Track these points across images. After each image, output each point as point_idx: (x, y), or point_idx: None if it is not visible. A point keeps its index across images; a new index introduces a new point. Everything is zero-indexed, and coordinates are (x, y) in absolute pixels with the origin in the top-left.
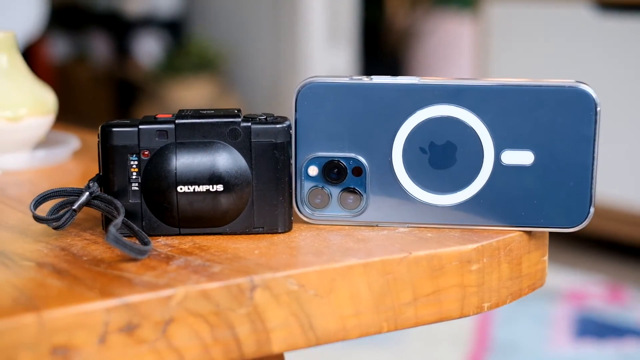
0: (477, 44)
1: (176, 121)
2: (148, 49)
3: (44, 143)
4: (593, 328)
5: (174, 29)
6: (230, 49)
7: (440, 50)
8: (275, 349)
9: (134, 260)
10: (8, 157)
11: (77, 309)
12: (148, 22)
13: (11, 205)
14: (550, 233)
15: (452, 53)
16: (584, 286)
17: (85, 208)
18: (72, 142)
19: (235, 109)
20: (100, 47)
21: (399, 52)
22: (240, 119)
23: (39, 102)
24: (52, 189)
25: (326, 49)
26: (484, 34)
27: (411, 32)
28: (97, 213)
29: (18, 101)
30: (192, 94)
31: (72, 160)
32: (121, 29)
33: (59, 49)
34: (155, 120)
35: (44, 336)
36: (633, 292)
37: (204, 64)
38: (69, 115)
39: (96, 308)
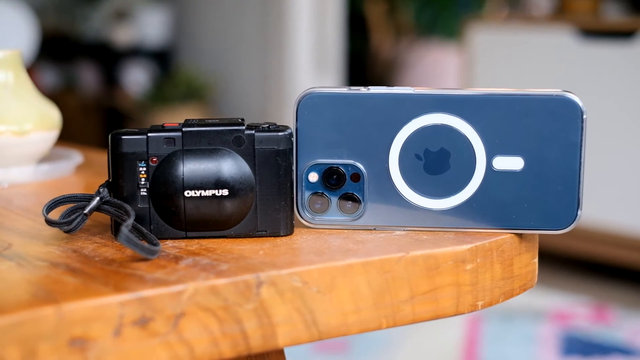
0: (462, 70)
1: (183, 129)
2: (136, 78)
3: (48, 157)
4: (579, 346)
5: (162, 58)
6: (217, 78)
7: (425, 79)
8: (281, 343)
9: (145, 260)
10: (13, 170)
11: (94, 302)
12: (136, 52)
13: (19, 213)
14: (541, 241)
15: (437, 82)
16: (570, 306)
17: (93, 215)
18: (75, 157)
19: (239, 118)
20: (88, 76)
21: (384, 82)
22: (244, 127)
23: (44, 117)
24: (63, 195)
25: (313, 78)
26: (469, 60)
27: (396, 62)
28: (105, 220)
29: (24, 116)
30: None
31: (75, 174)
32: (110, 59)
33: (47, 78)
34: (163, 129)
35: (63, 328)
36: (618, 311)
37: (192, 93)
38: (58, 143)
39: (111, 302)
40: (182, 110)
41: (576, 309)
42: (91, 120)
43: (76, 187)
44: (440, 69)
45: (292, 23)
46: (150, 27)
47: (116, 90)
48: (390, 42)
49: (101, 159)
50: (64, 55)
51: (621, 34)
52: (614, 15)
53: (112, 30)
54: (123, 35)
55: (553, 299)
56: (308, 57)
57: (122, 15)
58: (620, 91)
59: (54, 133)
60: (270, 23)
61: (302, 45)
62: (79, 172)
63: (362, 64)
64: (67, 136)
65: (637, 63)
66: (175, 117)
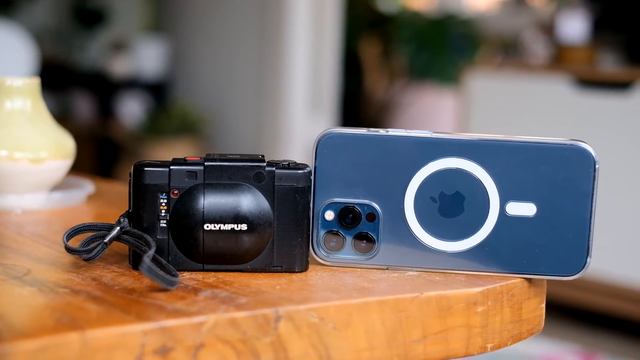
0: (459, 115)
1: (205, 163)
2: (131, 110)
3: (60, 186)
4: None
5: (158, 91)
6: (212, 114)
7: (419, 122)
8: None
9: (164, 290)
10: (27, 197)
11: (117, 330)
12: (132, 84)
13: (34, 240)
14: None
15: (431, 125)
16: (559, 354)
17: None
18: (86, 186)
19: (260, 155)
20: (83, 106)
21: (378, 123)
22: (265, 164)
23: (59, 146)
24: (84, 224)
25: (307, 117)
26: (466, 105)
27: (390, 103)
28: (120, 249)
29: (40, 144)
30: (173, 155)
31: (86, 204)
32: (105, 89)
33: None
34: (185, 162)
35: (86, 354)
36: None
37: (186, 127)
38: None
39: (134, 330)
40: (176, 143)
41: (565, 356)
42: (85, 149)
43: (87, 216)
44: (433, 113)
45: (288, 62)
46: (147, 59)
47: (110, 121)
48: (384, 84)
49: (112, 189)
50: (59, 84)
51: (617, 85)
52: (609, 66)
53: (109, 61)
54: (120, 67)
55: (542, 346)
56: (303, 96)
57: (119, 47)
58: (615, 142)
59: (68, 162)
60: (267, 61)
61: (297, 84)
62: (90, 201)
63: (355, 105)
64: None
65: (633, 114)
66: (168, 150)
